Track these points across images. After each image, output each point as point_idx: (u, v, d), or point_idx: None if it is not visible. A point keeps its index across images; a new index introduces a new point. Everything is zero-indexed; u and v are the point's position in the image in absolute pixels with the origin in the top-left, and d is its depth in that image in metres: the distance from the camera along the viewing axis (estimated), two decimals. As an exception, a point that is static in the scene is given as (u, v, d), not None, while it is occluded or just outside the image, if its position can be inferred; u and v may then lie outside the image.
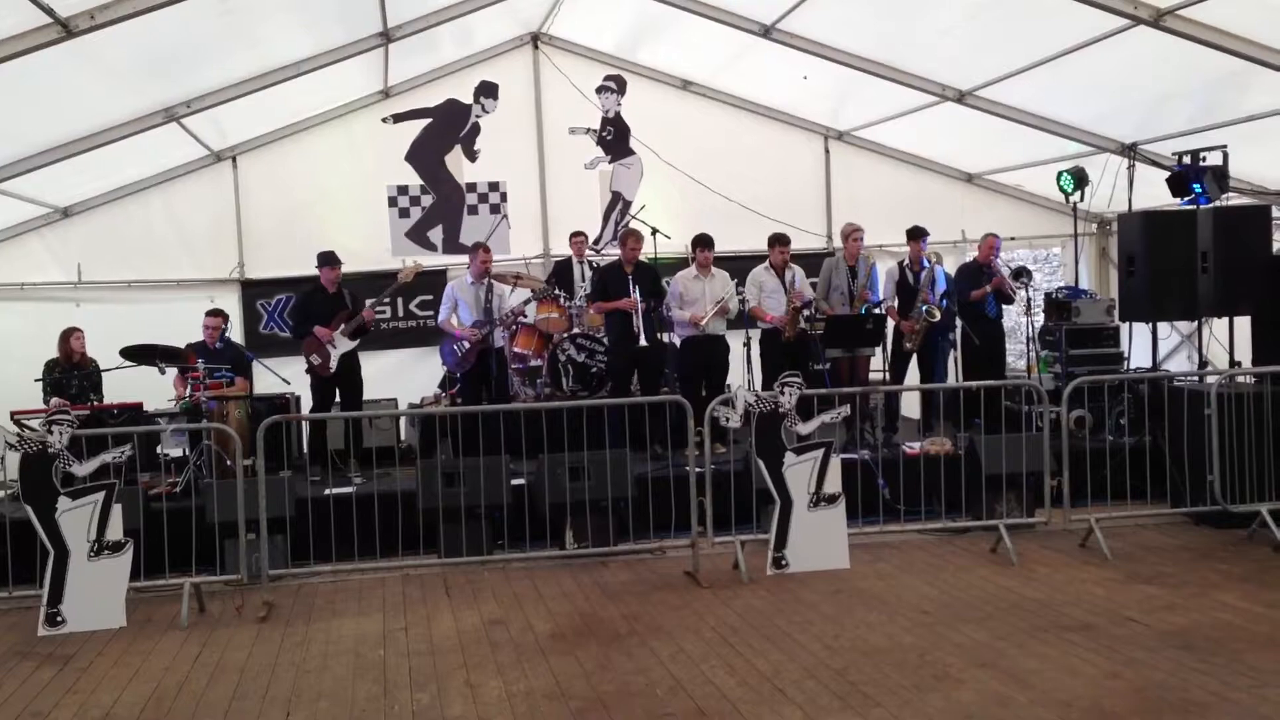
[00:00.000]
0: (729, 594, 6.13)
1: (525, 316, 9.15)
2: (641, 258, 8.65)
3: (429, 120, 10.92)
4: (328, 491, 7.21)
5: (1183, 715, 4.20)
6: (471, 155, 11.04)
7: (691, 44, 10.08)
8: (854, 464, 7.19)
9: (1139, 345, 9.24)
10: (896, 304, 9.08)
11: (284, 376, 8.71)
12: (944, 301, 8.98)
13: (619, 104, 11.25)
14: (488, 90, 10.98)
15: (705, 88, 11.19)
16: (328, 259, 8.34)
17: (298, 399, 8.96)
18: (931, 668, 4.82)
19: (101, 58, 6.85)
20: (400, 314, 10.77)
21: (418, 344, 10.65)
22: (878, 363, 9.05)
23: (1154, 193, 9.14)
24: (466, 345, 8.45)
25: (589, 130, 11.24)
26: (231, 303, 10.14)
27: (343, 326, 8.23)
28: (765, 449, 6.59)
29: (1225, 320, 8.28)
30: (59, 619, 5.93)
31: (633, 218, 10.55)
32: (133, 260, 10.07)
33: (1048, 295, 9.77)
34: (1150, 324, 8.80)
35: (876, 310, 8.86)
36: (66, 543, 5.97)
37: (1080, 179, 9.51)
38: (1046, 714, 4.26)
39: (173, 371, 8.13)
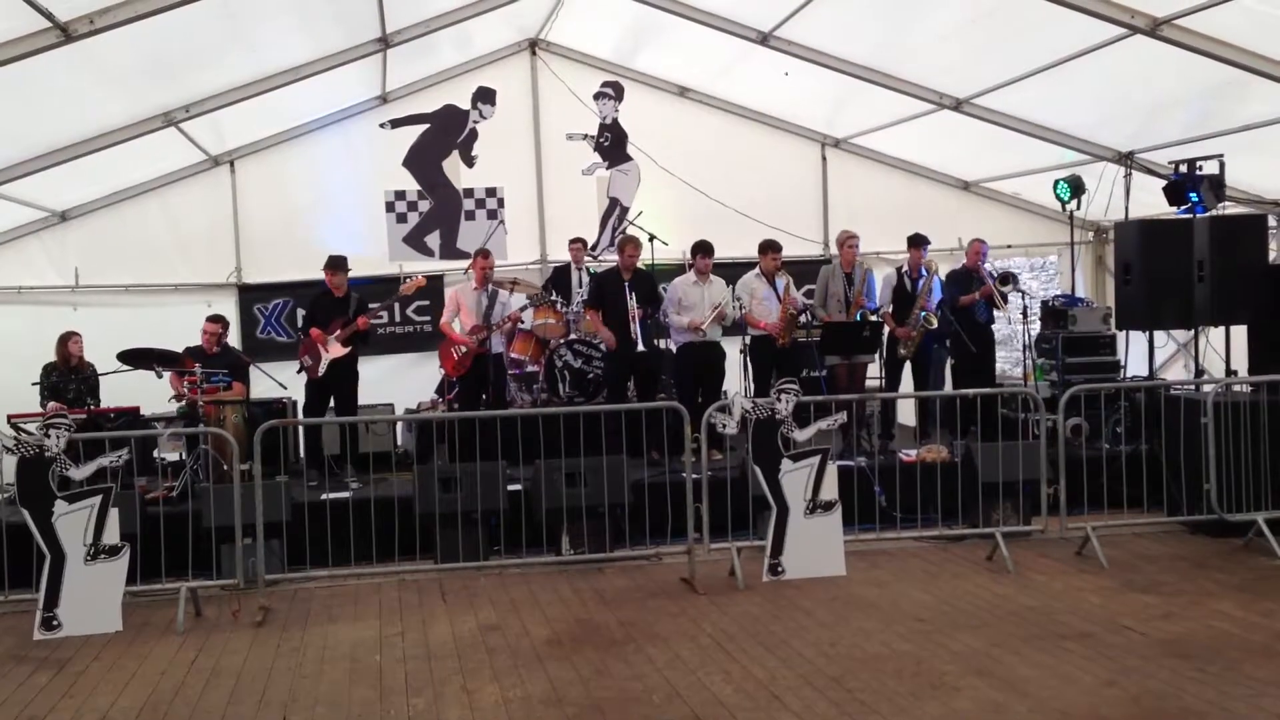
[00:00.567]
0: (725, 601, 6.13)
1: (522, 322, 9.16)
2: (639, 264, 8.66)
3: (427, 125, 10.93)
4: (324, 496, 7.22)
5: (1179, 724, 4.21)
6: (469, 161, 11.05)
7: (689, 51, 10.10)
8: (850, 471, 7.20)
9: (1135, 354, 9.23)
10: (892, 310, 9.09)
11: (281, 381, 8.70)
12: (940, 310, 8.99)
13: (616, 110, 11.26)
14: (485, 96, 11.00)
15: (702, 94, 11.21)
16: (330, 263, 8.36)
17: (295, 404, 8.95)
18: (928, 675, 4.82)
19: (100, 62, 6.87)
20: (397, 319, 10.78)
21: (415, 349, 10.66)
22: (874, 369, 9.06)
23: (1151, 201, 9.14)
24: (464, 350, 8.45)
25: (586, 136, 11.26)
26: (229, 307, 10.13)
27: (338, 332, 8.23)
28: (762, 455, 6.59)
29: (1222, 329, 8.29)
30: (55, 623, 5.92)
31: (630, 224, 10.58)
32: (130, 264, 10.08)
33: (1044, 303, 9.76)
34: (1147, 332, 8.80)
35: (873, 317, 8.87)
36: (63, 546, 5.97)
37: (1077, 187, 9.51)
38: (1043, 722, 4.26)
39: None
